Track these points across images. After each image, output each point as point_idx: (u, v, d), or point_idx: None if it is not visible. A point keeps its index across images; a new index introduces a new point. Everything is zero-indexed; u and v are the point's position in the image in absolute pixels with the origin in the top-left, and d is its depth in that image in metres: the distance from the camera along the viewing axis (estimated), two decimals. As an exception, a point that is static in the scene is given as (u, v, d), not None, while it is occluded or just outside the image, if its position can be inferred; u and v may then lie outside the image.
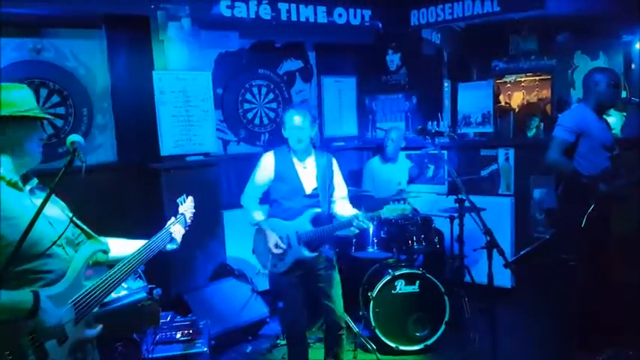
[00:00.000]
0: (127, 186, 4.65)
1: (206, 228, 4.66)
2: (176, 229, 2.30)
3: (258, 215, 3.30)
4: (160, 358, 3.31)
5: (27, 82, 4.18)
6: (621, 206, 3.68)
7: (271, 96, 5.68)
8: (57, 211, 1.95)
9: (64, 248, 1.88)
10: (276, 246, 3.18)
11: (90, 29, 4.55)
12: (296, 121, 3.16)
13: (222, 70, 5.28)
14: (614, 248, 3.74)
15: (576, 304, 3.59)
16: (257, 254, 3.39)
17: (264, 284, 5.13)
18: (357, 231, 3.45)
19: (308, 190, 3.24)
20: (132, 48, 4.66)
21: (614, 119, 5.28)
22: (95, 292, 1.87)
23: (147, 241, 2.13)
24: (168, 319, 3.63)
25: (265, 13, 4.89)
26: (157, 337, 3.41)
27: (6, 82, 1.87)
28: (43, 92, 4.36)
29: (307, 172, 3.26)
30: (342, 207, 3.34)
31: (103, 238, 2.06)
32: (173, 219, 2.39)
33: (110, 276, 1.93)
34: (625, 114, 5.21)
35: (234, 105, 5.44)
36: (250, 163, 5.43)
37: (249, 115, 5.54)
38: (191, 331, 3.47)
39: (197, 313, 3.91)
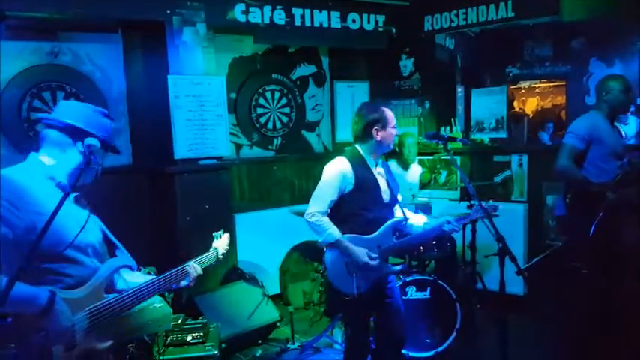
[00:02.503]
0: (141, 189, 4.70)
1: (218, 231, 4.68)
2: (193, 267, 2.26)
3: (336, 231, 2.87)
4: (171, 360, 3.34)
5: (44, 86, 4.32)
6: (632, 215, 3.66)
7: (284, 100, 5.71)
8: (91, 221, 2.00)
9: (89, 256, 1.92)
10: (371, 258, 2.85)
11: (106, 33, 4.61)
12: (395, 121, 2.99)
13: (236, 74, 5.32)
14: (625, 257, 3.72)
15: (588, 312, 3.57)
16: (335, 279, 2.92)
17: (275, 288, 5.18)
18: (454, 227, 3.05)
19: (386, 199, 2.99)
20: (147, 52, 4.72)
21: (631, 126, 5.23)
22: (113, 306, 1.89)
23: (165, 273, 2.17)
24: (180, 321, 3.65)
25: (279, 18, 4.92)
26: (168, 339, 3.43)
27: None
28: (60, 95, 4.42)
29: (381, 179, 3.00)
30: (407, 213, 3.11)
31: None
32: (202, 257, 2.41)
33: (131, 293, 1.96)
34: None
35: (247, 109, 5.47)
36: (263, 167, 5.53)
37: (262, 120, 5.57)
38: (202, 334, 3.49)
39: (208, 315, 3.93)
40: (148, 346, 3.24)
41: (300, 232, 4.94)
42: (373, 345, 3.22)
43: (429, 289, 3.95)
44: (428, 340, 3.91)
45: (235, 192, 5.22)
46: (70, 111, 1.96)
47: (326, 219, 2.91)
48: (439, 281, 3.94)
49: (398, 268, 3.04)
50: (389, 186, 3.03)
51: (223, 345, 3.74)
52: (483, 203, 2.91)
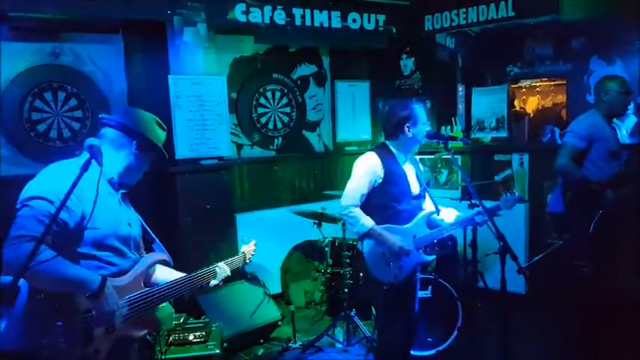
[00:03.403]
0: (142, 189, 4.68)
1: (219, 231, 4.70)
2: (223, 267, 2.43)
3: (369, 220, 2.98)
4: (173, 360, 3.35)
5: (46, 86, 4.33)
6: (631, 213, 3.68)
7: (285, 100, 5.71)
8: (134, 216, 2.19)
9: (130, 249, 2.07)
10: (402, 249, 2.93)
11: (107, 34, 4.62)
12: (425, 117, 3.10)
13: (237, 74, 5.32)
14: (626, 254, 3.73)
15: (589, 311, 3.57)
16: (373, 268, 3.03)
17: (276, 287, 5.19)
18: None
19: (415, 191, 3.09)
20: (148, 52, 4.72)
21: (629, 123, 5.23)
22: (151, 296, 2.02)
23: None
24: (182, 320, 3.66)
25: (280, 18, 4.93)
26: (170, 338, 3.44)
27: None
28: (61, 95, 4.43)
29: (409, 172, 3.10)
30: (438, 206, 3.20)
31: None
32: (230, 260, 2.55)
33: (168, 286, 2.10)
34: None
35: (248, 109, 5.48)
36: (264, 166, 5.54)
37: (263, 120, 5.58)
38: (204, 333, 3.49)
39: (210, 315, 3.94)
40: (150, 345, 3.24)
41: (301, 232, 4.96)
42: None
43: (430, 287, 3.95)
44: (429, 339, 3.92)
45: (236, 192, 5.23)
46: (130, 114, 2.14)
47: (358, 210, 3.01)
48: (440, 280, 3.95)
49: (431, 257, 3.10)
50: (418, 180, 3.12)
51: (225, 344, 3.75)
52: (509, 195, 3.07)
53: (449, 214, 3.17)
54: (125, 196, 2.17)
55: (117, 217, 2.00)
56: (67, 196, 1.69)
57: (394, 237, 2.96)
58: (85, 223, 1.84)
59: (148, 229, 2.25)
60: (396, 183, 3.02)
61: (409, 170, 3.11)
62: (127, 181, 2.15)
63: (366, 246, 3.04)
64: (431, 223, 3.13)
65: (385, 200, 3.02)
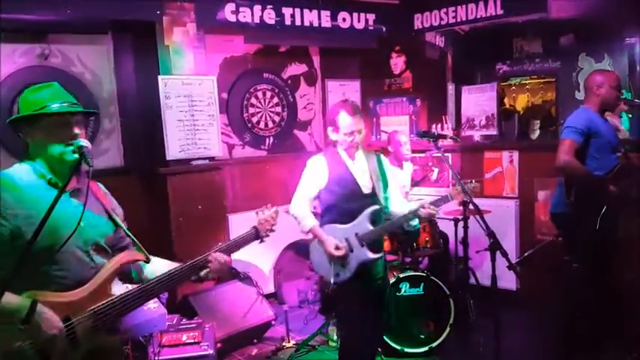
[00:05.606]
0: (133, 190, 4.68)
1: (212, 231, 4.69)
2: (215, 258, 2.16)
3: (311, 220, 3.06)
4: (167, 361, 3.34)
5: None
6: (629, 207, 3.69)
7: (276, 100, 5.71)
8: (93, 215, 1.91)
9: (88, 254, 1.85)
10: (337, 248, 2.94)
11: (96, 35, 4.59)
12: (355, 121, 2.99)
13: (227, 74, 5.31)
14: (623, 249, 3.74)
15: (581, 306, 3.59)
16: (317, 267, 3.11)
17: (269, 287, 5.19)
18: (417, 224, 3.34)
19: (365, 190, 3.06)
20: (138, 53, 4.71)
21: (622, 120, 5.28)
22: (119, 304, 1.83)
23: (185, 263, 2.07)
24: (175, 321, 3.66)
25: (269, 17, 4.92)
26: (164, 339, 3.43)
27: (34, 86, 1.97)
28: (51, 97, 4.39)
29: (360, 172, 3.08)
30: (400, 203, 3.19)
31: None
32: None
33: (140, 290, 1.90)
34: (630, 115, 5.21)
35: (239, 109, 5.47)
36: (255, 166, 5.54)
37: (254, 119, 5.58)
38: (197, 334, 3.49)
39: (203, 315, 3.94)
40: (143, 347, 3.24)
41: (293, 231, 4.94)
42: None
43: (422, 285, 3.97)
44: (422, 336, 3.94)
45: (228, 192, 5.22)
46: (17, 109, 1.90)
47: (302, 211, 3.09)
48: (432, 277, 3.97)
49: (376, 255, 3.04)
50: (371, 178, 3.09)
51: (219, 344, 3.75)
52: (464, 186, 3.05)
53: (402, 209, 3.14)
54: (82, 191, 1.87)
55: (63, 223, 1.74)
56: (43, 222, 1.55)
57: (329, 240, 2.97)
58: (18, 242, 1.68)
59: (122, 226, 2.02)
60: (341, 184, 3.03)
61: (358, 169, 3.08)
62: (60, 171, 1.85)
63: (312, 244, 3.12)
64: (379, 219, 3.10)
65: (332, 200, 3.05)
